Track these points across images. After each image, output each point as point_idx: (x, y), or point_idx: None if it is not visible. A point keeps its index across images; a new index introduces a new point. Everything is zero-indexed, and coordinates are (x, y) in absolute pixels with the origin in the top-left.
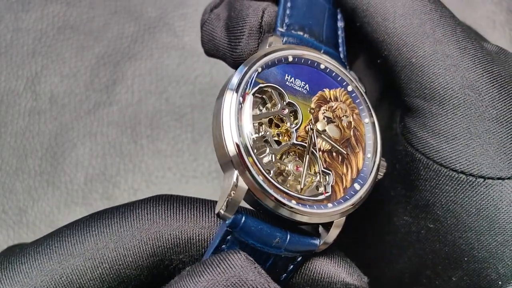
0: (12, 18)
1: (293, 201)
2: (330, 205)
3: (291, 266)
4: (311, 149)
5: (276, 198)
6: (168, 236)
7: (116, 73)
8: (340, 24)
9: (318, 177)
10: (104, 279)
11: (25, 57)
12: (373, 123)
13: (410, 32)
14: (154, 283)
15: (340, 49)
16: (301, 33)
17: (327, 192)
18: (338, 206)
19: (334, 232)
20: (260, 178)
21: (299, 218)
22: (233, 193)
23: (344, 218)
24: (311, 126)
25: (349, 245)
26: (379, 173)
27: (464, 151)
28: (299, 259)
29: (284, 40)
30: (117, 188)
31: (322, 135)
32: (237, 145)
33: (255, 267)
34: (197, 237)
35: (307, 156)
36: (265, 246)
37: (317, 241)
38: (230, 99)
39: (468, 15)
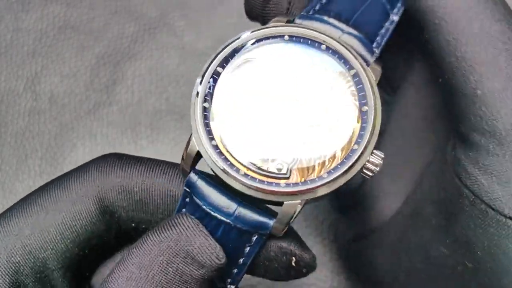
0: (12, 18)
1: (241, 171)
2: (283, 184)
3: (248, 248)
4: None
5: (221, 167)
6: (114, 184)
7: (116, 73)
8: (394, 17)
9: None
10: (62, 229)
11: (25, 57)
12: (370, 112)
13: (482, 61)
14: (114, 240)
15: (378, 38)
16: (325, 17)
17: (285, 173)
18: (292, 187)
19: (286, 214)
20: (210, 143)
21: (243, 189)
22: (187, 152)
23: (298, 203)
24: None
25: (381, 265)
26: (367, 171)
27: None
28: (254, 238)
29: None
30: None
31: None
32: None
33: (201, 230)
34: (144, 187)
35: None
36: (216, 210)
37: (271, 220)
38: (193, 109)
39: None
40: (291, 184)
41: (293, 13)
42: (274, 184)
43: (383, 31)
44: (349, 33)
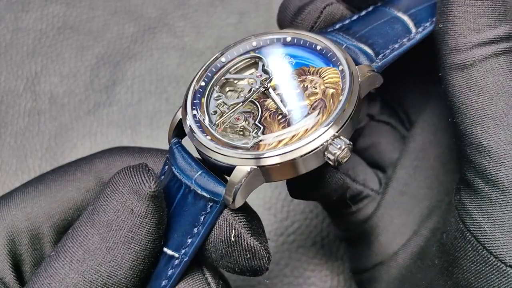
0: (12, 18)
1: (208, 137)
2: (240, 151)
3: (203, 217)
4: (251, 98)
5: (192, 128)
6: (114, 167)
7: (116, 74)
8: (416, 36)
9: (247, 123)
10: (64, 207)
11: (25, 57)
12: (343, 100)
13: (491, 113)
14: None
15: (386, 51)
16: (333, 32)
17: (250, 145)
18: (246, 153)
19: (234, 176)
20: (191, 112)
21: (204, 151)
22: (173, 120)
23: (247, 169)
24: (264, 84)
25: None
26: (329, 155)
27: None
28: (209, 206)
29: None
30: None
31: (272, 95)
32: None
33: (145, 168)
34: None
35: (241, 103)
36: (181, 173)
37: (224, 188)
38: (189, 86)
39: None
40: (246, 151)
41: (319, 26)
42: (231, 150)
43: (396, 45)
44: (352, 45)
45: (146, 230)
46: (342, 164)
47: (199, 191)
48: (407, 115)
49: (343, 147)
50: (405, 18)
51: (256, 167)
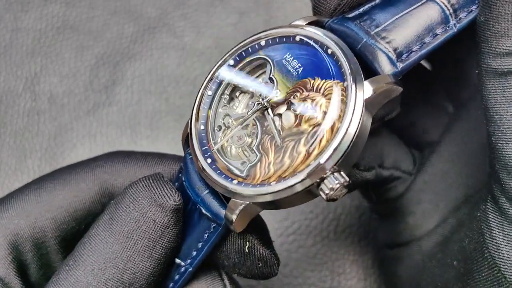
0: (11, 18)
1: (208, 160)
2: (235, 181)
3: (206, 235)
4: (248, 120)
5: (195, 148)
6: (116, 172)
7: (116, 74)
8: (457, 24)
9: (246, 154)
10: (64, 204)
11: (24, 57)
12: (347, 131)
13: None
14: None
15: (414, 47)
16: (355, 21)
17: (246, 172)
18: (241, 187)
19: (230, 211)
20: (198, 127)
21: (205, 178)
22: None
23: (240, 203)
24: (263, 102)
25: (403, 280)
26: (325, 190)
27: None
28: (212, 226)
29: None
30: None
31: (270, 117)
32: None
33: (165, 180)
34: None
35: (239, 126)
36: (190, 188)
37: (225, 211)
38: (207, 76)
39: None
40: (242, 184)
41: (342, 10)
42: (230, 179)
43: (427, 39)
44: (371, 42)
45: (168, 240)
46: (336, 200)
47: (203, 210)
48: (459, 92)
49: (335, 186)
50: (444, 1)
51: (249, 203)
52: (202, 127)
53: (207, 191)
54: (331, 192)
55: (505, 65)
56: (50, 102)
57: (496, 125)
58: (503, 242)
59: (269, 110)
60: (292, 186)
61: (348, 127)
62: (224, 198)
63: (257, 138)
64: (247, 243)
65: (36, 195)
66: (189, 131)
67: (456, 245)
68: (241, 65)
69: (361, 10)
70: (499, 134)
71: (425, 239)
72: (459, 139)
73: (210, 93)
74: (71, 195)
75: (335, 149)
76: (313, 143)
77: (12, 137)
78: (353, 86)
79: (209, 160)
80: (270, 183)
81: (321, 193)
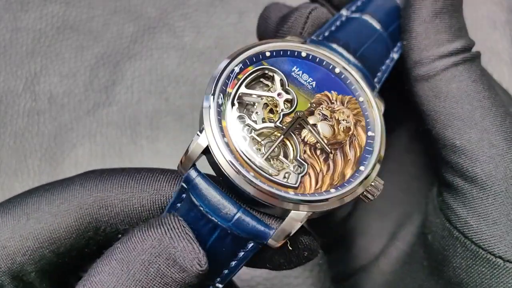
0: (11, 18)
1: (251, 173)
2: (291, 192)
3: (242, 253)
4: (290, 132)
5: (231, 162)
6: (95, 198)
7: (116, 74)
8: (395, 55)
9: (291, 166)
10: (39, 237)
11: (24, 57)
12: (377, 138)
13: (459, 115)
14: (95, 250)
15: (379, 74)
16: (334, 45)
17: (295, 183)
18: (300, 196)
19: (288, 225)
20: (224, 140)
21: (251, 191)
22: (192, 146)
23: (303, 215)
24: (299, 112)
25: None
26: (368, 193)
27: (504, 237)
28: (250, 245)
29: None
30: None
31: (309, 127)
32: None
33: (186, 233)
34: (124, 198)
35: (282, 136)
36: (213, 213)
37: (270, 231)
38: (214, 82)
39: (469, 14)
40: (300, 194)
41: (305, 38)
42: (283, 191)
43: (383, 67)
44: (355, 65)
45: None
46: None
47: (240, 234)
48: (386, 123)
49: (381, 187)
50: (387, 36)
51: (311, 212)
52: (225, 139)
53: (238, 212)
54: (378, 193)
55: (428, 71)
56: (50, 102)
57: (434, 119)
58: (468, 216)
59: (305, 120)
60: (349, 193)
61: (379, 135)
62: (257, 213)
63: (293, 148)
64: (288, 241)
65: (11, 225)
66: (212, 145)
67: (420, 249)
68: (246, 74)
69: (327, 32)
70: (438, 125)
71: (380, 259)
72: (392, 160)
73: (220, 102)
74: (48, 231)
75: (376, 157)
76: (352, 150)
77: (12, 137)
78: (372, 99)
79: (252, 173)
80: (329, 190)
81: (368, 195)
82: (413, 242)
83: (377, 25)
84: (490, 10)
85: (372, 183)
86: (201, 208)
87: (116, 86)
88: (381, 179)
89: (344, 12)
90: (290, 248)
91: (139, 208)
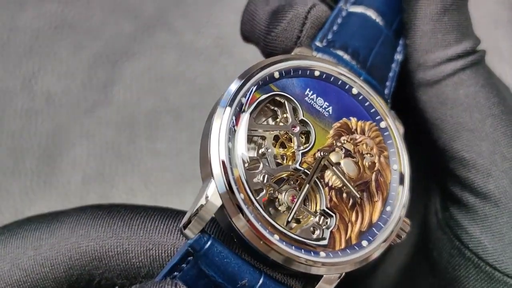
0: (8, 16)
1: (276, 236)
2: (322, 253)
3: None
4: (315, 178)
5: (253, 225)
6: (86, 248)
7: (114, 73)
8: (398, 56)
9: (317, 218)
10: (21, 286)
11: (22, 56)
12: (403, 172)
13: (468, 125)
14: None
15: (387, 83)
16: (341, 53)
17: (323, 238)
18: (333, 258)
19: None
20: (240, 196)
21: (276, 258)
22: (202, 206)
23: (337, 276)
24: (322, 153)
25: None
26: (397, 235)
27: None
28: None
29: (317, 56)
30: (115, 189)
31: (334, 168)
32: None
33: None
34: (119, 250)
35: (307, 185)
36: (228, 285)
37: None
38: (221, 119)
39: (470, 12)
40: (331, 254)
41: (304, 42)
42: (312, 253)
43: (391, 74)
44: (366, 79)
45: None
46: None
47: None
48: None
49: (408, 227)
50: (391, 35)
51: (344, 273)
52: (242, 195)
53: (260, 279)
54: (404, 234)
55: (434, 75)
56: (48, 102)
57: (439, 129)
58: (481, 235)
59: (329, 161)
60: (384, 241)
61: (406, 170)
62: (281, 275)
63: (317, 195)
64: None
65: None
66: (227, 206)
67: (422, 263)
68: (254, 104)
69: (330, 35)
70: (445, 136)
71: (380, 271)
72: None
73: (230, 146)
74: (33, 279)
75: (407, 199)
76: (379, 190)
77: (9, 137)
78: (394, 126)
79: (276, 237)
80: (360, 243)
81: (397, 239)
82: (416, 255)
83: (381, 22)
84: (492, 8)
85: (400, 229)
86: (214, 279)
87: (115, 86)
88: (407, 219)
89: (343, 5)
90: None
91: (137, 264)
